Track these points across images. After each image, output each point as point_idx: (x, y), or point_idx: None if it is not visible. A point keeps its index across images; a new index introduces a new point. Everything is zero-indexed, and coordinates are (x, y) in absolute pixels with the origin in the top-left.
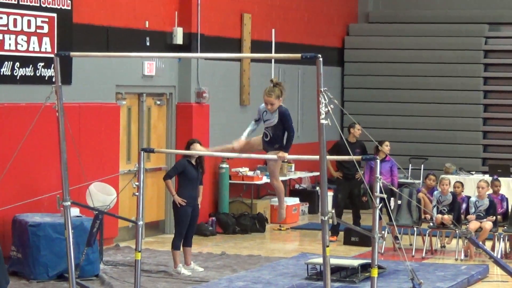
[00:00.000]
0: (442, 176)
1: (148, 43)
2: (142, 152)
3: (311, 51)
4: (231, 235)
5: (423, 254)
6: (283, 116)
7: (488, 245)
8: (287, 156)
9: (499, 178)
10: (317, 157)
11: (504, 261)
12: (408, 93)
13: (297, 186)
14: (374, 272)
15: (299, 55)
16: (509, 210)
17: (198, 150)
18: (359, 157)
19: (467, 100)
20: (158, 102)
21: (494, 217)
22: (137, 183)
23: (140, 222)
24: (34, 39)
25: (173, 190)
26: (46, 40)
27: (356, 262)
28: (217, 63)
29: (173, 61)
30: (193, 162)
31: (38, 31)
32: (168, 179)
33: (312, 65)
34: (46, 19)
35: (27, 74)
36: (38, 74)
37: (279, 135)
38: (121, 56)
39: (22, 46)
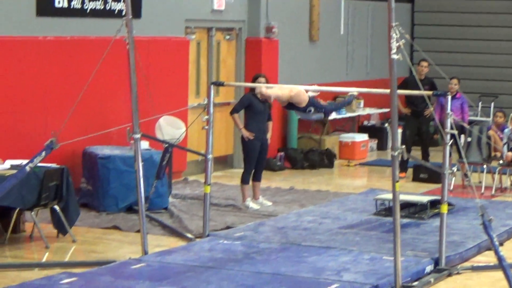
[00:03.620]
0: None
1: None
2: (211, 85)
3: None
4: (300, 170)
5: (493, 192)
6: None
7: None
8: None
9: None
10: (388, 90)
11: None
12: (479, 30)
13: (365, 122)
14: (444, 209)
15: None
16: None
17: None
18: (430, 92)
19: None
20: (228, 37)
21: None
22: (206, 117)
23: (210, 156)
24: None
25: (240, 124)
26: None
27: (425, 199)
28: None
29: None
30: (259, 96)
31: None
32: (235, 113)
33: (383, 0)
34: None
35: (97, 8)
36: (107, 8)
37: None
38: None
39: None
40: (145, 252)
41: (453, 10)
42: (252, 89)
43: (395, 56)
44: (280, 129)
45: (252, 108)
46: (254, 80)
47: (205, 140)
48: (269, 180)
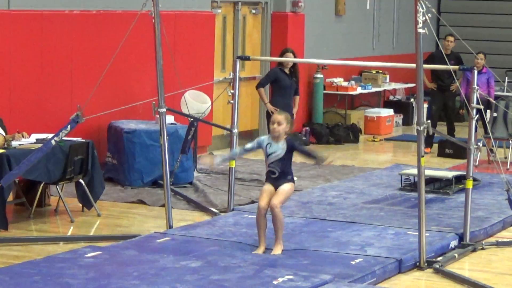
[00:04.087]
0: None
1: None
2: (237, 59)
3: None
4: (325, 145)
5: None
6: (292, 144)
7: None
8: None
9: None
10: (414, 65)
11: None
12: (505, 5)
13: (391, 97)
14: (469, 184)
15: None
16: None
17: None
18: (456, 67)
19: None
20: (254, 11)
21: None
22: (232, 91)
23: (235, 130)
24: None
25: (265, 98)
26: None
27: (450, 174)
28: None
29: None
30: (286, 71)
31: None
32: (260, 87)
33: None
34: None
35: None
36: None
37: (287, 167)
38: None
39: None
40: (169, 226)
41: None
42: (279, 64)
43: (421, 31)
44: (306, 104)
45: (278, 82)
46: (282, 54)
47: (230, 114)
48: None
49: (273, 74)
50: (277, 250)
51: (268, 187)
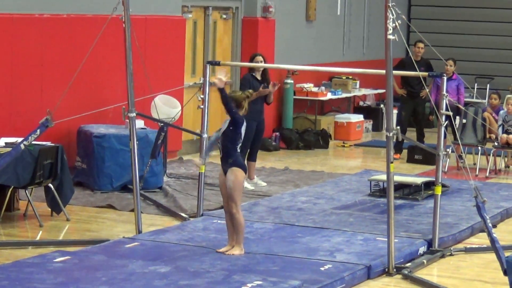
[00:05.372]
0: (508, 96)
1: None
2: (207, 64)
3: None
4: (295, 151)
5: (487, 174)
6: (232, 116)
7: None
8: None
9: None
10: (383, 71)
11: None
12: (475, 11)
13: (361, 103)
14: (438, 190)
15: None
16: None
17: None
18: (426, 73)
19: None
20: (224, 16)
21: None
22: (202, 96)
23: (205, 135)
24: None
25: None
26: None
27: (419, 180)
28: None
29: None
30: (258, 76)
31: None
32: None
33: None
34: None
35: None
36: None
37: (228, 146)
38: None
39: None
40: (139, 231)
41: None
42: (251, 69)
43: (391, 37)
44: (276, 109)
45: (251, 88)
46: (252, 59)
47: (200, 119)
48: (264, 160)
49: (247, 81)
50: (234, 251)
51: (221, 180)
